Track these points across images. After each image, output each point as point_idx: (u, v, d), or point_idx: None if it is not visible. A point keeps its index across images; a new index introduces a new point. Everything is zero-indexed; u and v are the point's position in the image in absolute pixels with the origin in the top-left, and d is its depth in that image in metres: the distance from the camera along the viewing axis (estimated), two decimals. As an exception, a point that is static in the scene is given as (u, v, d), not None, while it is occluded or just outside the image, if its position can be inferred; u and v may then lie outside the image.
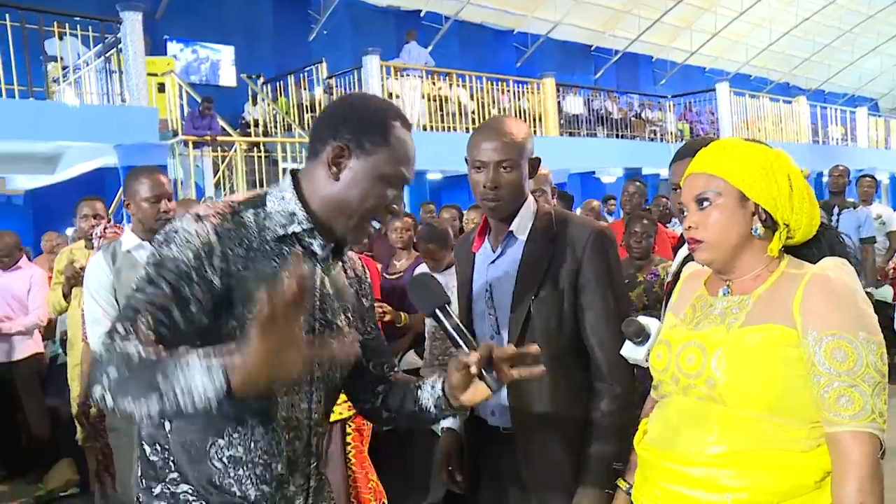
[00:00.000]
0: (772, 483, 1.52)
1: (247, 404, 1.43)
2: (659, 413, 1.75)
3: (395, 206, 1.64)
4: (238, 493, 1.57)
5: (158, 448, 1.59)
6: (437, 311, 1.63)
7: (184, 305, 1.44)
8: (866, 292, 5.89)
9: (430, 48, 16.63)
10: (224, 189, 10.54)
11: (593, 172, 17.02)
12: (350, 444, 3.19)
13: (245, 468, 1.56)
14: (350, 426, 3.20)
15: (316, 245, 1.62)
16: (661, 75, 23.54)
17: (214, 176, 10.56)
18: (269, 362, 1.24)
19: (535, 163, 2.21)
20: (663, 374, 1.72)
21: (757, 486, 1.52)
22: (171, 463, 1.58)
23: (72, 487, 5.31)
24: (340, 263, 1.76)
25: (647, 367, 1.84)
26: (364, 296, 1.84)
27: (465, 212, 6.38)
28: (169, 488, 1.58)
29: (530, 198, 2.21)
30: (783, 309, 1.58)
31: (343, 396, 3.09)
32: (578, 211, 6.83)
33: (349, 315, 1.73)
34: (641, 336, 1.87)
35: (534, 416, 2.11)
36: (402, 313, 4.34)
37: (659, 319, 1.90)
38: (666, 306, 1.99)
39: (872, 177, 7.20)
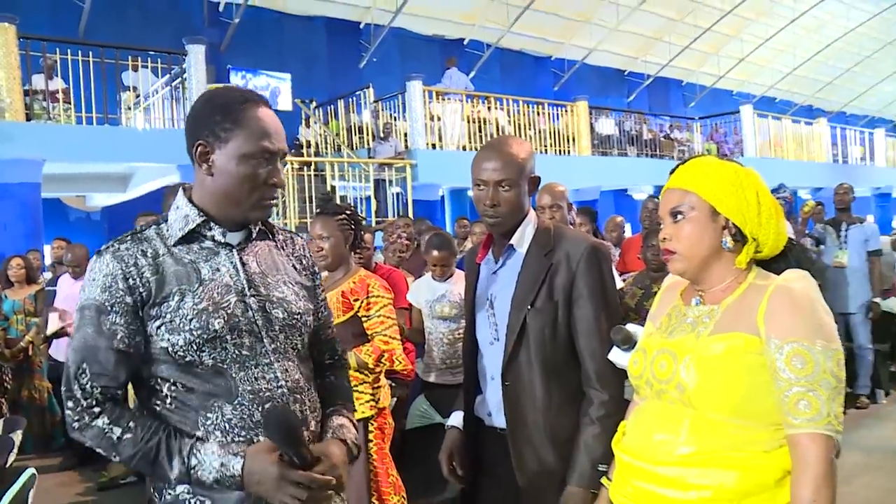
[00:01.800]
0: (734, 481, 1.51)
1: (205, 391, 1.54)
2: (635, 416, 1.75)
3: (273, 179, 1.62)
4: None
5: None
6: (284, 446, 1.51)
7: (110, 336, 1.52)
8: (874, 303, 5.82)
9: (472, 74, 16.70)
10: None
11: (626, 190, 16.88)
12: (372, 441, 3.19)
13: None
14: (372, 425, 3.20)
15: (217, 234, 1.64)
16: (690, 98, 23.26)
17: (269, 193, 10.69)
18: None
19: (536, 180, 2.21)
20: (639, 379, 1.72)
21: (720, 484, 1.51)
22: None
23: (130, 476, 5.41)
24: (270, 241, 1.75)
25: None
26: (305, 269, 1.82)
27: (471, 225, 6.43)
28: (170, 493, 1.56)
29: (531, 213, 2.21)
30: (749, 318, 1.56)
31: (367, 396, 3.17)
32: (604, 225, 6.78)
33: (291, 286, 1.72)
34: (629, 343, 1.86)
35: (527, 419, 2.11)
36: (402, 326, 4.34)
37: None
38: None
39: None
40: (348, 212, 3.31)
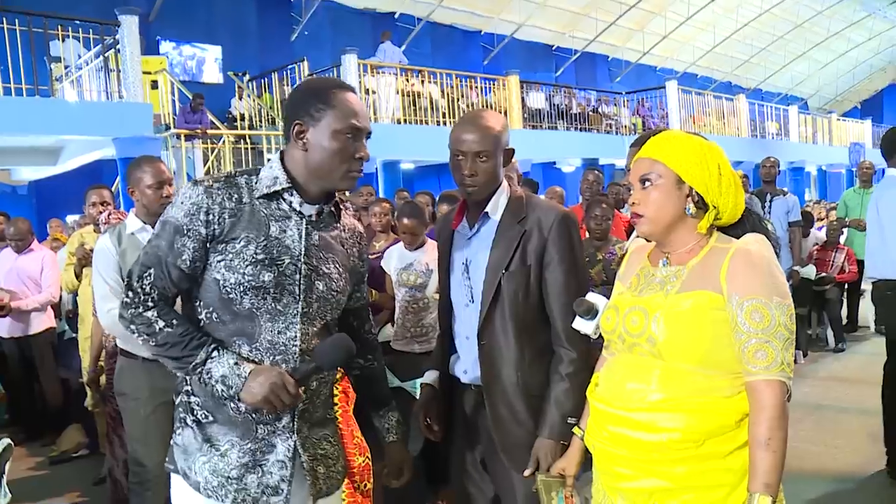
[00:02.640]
0: (700, 423, 1.66)
1: (233, 327, 1.73)
2: (608, 368, 1.88)
3: (360, 153, 1.81)
4: (232, 406, 1.75)
5: None
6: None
7: (177, 255, 1.73)
8: (794, 270, 6.16)
9: (403, 47, 16.63)
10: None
11: (554, 163, 17.15)
12: (337, 404, 3.28)
13: None
14: (337, 388, 3.28)
15: (296, 202, 1.81)
16: (616, 73, 23.72)
17: (204, 166, 10.57)
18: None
19: (510, 152, 2.28)
20: (612, 334, 1.85)
21: (687, 426, 1.66)
22: (184, 378, 1.82)
23: (82, 449, 5.39)
24: (336, 224, 1.92)
25: (596, 339, 1.98)
26: (355, 256, 1.98)
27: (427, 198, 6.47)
28: (184, 398, 1.82)
29: (504, 183, 2.30)
30: (712, 278, 1.71)
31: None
32: (543, 196, 6.94)
33: (337, 265, 1.88)
34: (591, 313, 1.98)
35: (501, 376, 2.21)
36: (372, 290, 4.42)
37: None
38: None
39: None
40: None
